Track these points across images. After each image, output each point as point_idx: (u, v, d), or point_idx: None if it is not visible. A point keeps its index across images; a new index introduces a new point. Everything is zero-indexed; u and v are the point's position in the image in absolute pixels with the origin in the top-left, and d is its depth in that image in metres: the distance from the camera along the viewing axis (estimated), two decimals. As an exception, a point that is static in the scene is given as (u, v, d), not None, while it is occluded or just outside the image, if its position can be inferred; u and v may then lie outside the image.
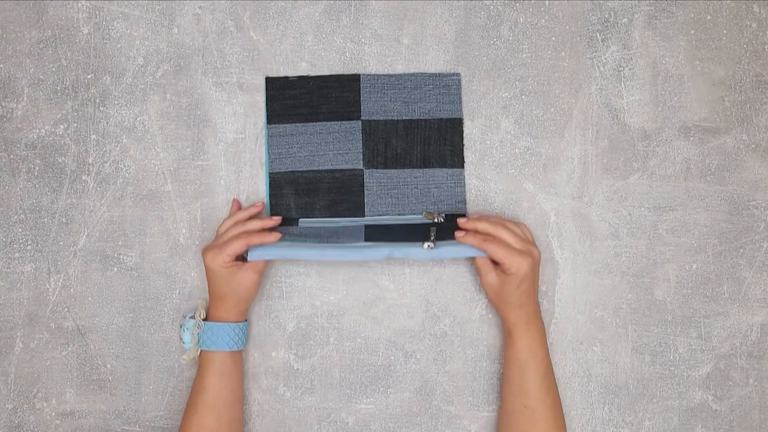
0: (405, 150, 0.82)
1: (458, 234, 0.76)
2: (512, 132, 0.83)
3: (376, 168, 0.81)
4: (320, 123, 0.81)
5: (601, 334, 0.82)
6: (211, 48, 0.83)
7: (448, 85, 0.82)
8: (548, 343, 0.82)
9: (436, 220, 0.79)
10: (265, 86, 0.82)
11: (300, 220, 0.81)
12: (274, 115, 0.82)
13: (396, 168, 0.81)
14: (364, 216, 0.81)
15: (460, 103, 0.82)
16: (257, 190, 0.82)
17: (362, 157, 0.81)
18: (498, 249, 0.74)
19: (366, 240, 0.78)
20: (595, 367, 0.82)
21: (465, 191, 0.82)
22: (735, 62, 0.83)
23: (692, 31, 0.83)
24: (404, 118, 0.82)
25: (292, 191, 0.81)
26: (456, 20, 0.83)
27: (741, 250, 0.82)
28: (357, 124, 0.81)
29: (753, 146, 0.83)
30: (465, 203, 0.81)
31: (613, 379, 0.81)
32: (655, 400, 0.81)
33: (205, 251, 0.75)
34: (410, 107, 0.82)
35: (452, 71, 0.82)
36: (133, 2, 0.83)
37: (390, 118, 0.81)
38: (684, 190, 0.82)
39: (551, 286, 0.82)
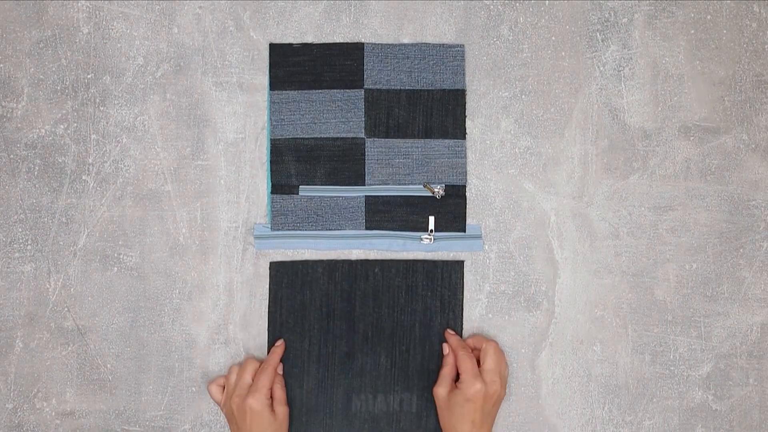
0: (407, 120, 0.82)
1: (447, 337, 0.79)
2: (512, 132, 0.83)
3: (378, 137, 0.81)
4: (323, 91, 0.81)
5: (601, 334, 0.82)
6: (211, 48, 0.83)
7: (451, 56, 0.82)
8: (548, 343, 0.82)
9: (436, 194, 0.80)
10: (268, 52, 0.82)
11: (300, 187, 0.81)
12: (276, 82, 0.82)
13: (397, 138, 0.81)
14: (364, 185, 0.81)
15: (464, 74, 0.82)
16: (257, 189, 0.82)
17: (364, 126, 0.81)
18: (466, 361, 0.75)
19: (367, 226, 0.80)
20: (595, 367, 0.82)
21: (466, 163, 0.82)
22: (735, 62, 0.83)
23: (692, 31, 0.83)
24: (407, 88, 0.82)
25: (293, 158, 0.81)
26: (456, 20, 0.83)
27: (741, 250, 0.82)
28: (360, 93, 0.81)
29: (753, 146, 0.83)
30: (465, 175, 0.81)
31: (613, 379, 0.81)
32: (655, 400, 0.81)
33: (243, 400, 0.74)
34: (413, 77, 0.82)
35: (456, 42, 0.82)
36: (133, 2, 0.83)
37: (393, 87, 0.82)
38: (684, 190, 0.82)
39: (551, 286, 0.82)
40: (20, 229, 0.82)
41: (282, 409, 0.76)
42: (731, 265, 0.82)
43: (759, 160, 0.83)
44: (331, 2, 0.83)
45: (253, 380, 0.76)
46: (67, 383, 0.81)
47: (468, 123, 0.82)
